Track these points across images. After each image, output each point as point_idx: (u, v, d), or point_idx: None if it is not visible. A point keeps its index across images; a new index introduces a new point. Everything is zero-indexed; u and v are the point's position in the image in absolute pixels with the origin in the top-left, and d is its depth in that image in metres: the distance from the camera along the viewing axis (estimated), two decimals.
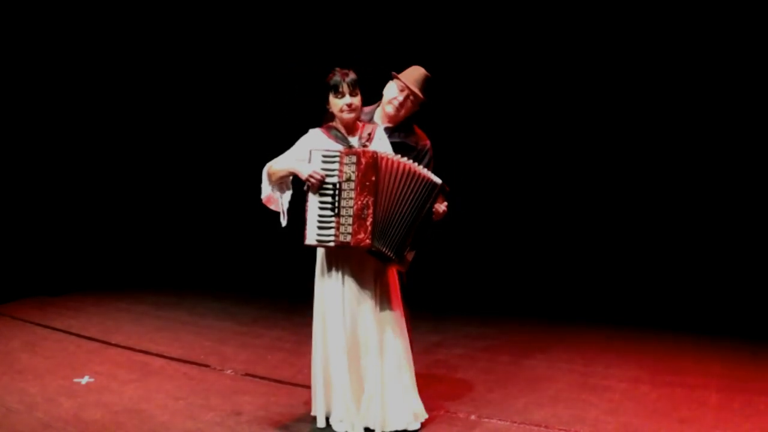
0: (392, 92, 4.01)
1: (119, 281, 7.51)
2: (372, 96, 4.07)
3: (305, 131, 3.84)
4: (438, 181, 3.68)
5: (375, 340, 3.71)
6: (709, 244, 6.45)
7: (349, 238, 3.59)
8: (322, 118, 3.84)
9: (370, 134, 3.79)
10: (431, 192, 3.67)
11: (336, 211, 3.61)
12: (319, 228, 3.61)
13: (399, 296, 3.84)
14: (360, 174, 3.59)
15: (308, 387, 4.49)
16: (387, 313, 3.75)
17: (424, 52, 6.62)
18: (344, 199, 3.60)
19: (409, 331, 3.90)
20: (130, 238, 8.02)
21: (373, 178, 3.59)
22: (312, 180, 3.60)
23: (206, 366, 4.98)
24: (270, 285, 7.46)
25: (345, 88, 3.66)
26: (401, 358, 3.77)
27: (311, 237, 3.62)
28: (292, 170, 3.70)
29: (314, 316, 3.82)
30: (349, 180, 3.60)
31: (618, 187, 6.76)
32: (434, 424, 3.92)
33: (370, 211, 3.59)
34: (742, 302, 6.15)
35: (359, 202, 3.59)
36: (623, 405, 4.29)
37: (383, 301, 3.76)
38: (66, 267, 7.26)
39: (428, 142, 4.10)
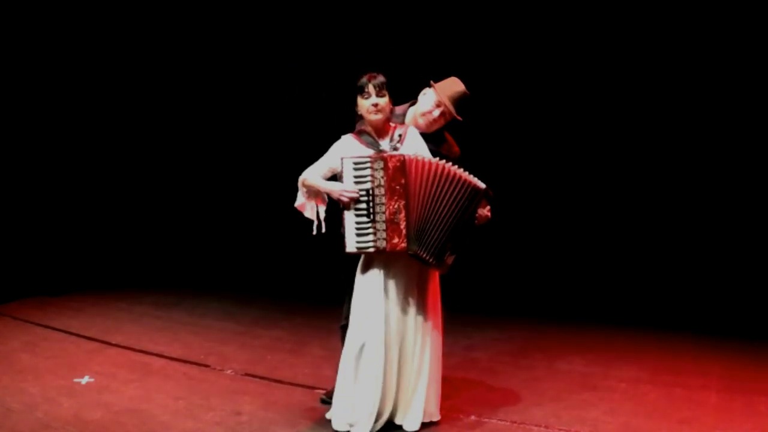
0: (428, 104, 3.92)
1: (119, 281, 7.51)
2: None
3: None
4: (482, 185, 3.64)
5: (415, 346, 3.74)
6: (708, 244, 6.45)
7: (384, 243, 3.59)
8: (354, 122, 3.83)
9: (401, 135, 3.76)
10: (474, 196, 3.63)
11: (372, 217, 3.60)
12: (358, 235, 3.61)
13: (439, 300, 3.85)
14: (388, 178, 3.57)
15: (308, 387, 4.52)
16: (427, 319, 3.78)
17: (428, 53, 6.66)
18: (377, 204, 3.60)
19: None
20: (130, 238, 8.02)
21: (403, 181, 3.57)
22: (343, 199, 3.63)
23: (206, 366, 4.98)
24: (270, 285, 7.46)
25: (371, 89, 3.66)
26: (436, 364, 3.83)
27: (351, 245, 3.63)
28: (324, 189, 3.74)
29: (353, 318, 3.77)
30: (379, 186, 3.59)
31: (618, 187, 6.76)
32: (434, 424, 3.92)
33: (403, 215, 3.58)
34: (742, 303, 6.15)
35: (391, 207, 3.58)
36: (623, 405, 4.29)
37: (425, 306, 3.77)
38: (66, 267, 7.25)
39: (458, 149, 4.05)
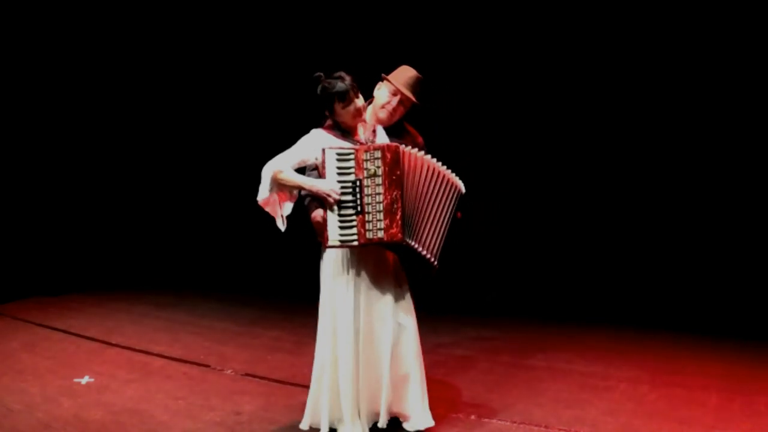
0: (384, 96, 3.90)
1: (119, 281, 7.51)
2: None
3: (296, 130, 3.79)
4: (462, 188, 3.65)
5: (388, 346, 3.63)
6: (709, 244, 6.45)
7: (381, 234, 3.50)
8: (320, 122, 3.78)
9: (374, 131, 3.75)
10: (457, 198, 3.64)
11: (358, 209, 3.53)
12: (341, 227, 3.53)
13: (412, 299, 3.77)
14: (386, 168, 3.52)
15: (308, 387, 4.49)
16: (402, 317, 3.68)
17: (411, 51, 6.64)
18: (368, 195, 3.52)
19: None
20: (130, 238, 8.02)
21: (398, 173, 3.53)
22: (331, 199, 3.52)
23: (206, 366, 4.98)
24: (269, 285, 7.46)
25: (352, 94, 3.58)
26: (414, 364, 3.70)
27: (333, 238, 3.53)
28: (307, 187, 3.60)
29: (321, 320, 3.70)
30: (374, 175, 3.52)
31: (618, 186, 6.75)
32: (434, 424, 3.92)
33: (399, 205, 3.53)
34: (742, 303, 6.15)
35: (389, 197, 3.52)
36: (623, 405, 4.29)
37: (399, 304, 3.68)
38: (66, 267, 7.26)
39: (421, 140, 4.02)
